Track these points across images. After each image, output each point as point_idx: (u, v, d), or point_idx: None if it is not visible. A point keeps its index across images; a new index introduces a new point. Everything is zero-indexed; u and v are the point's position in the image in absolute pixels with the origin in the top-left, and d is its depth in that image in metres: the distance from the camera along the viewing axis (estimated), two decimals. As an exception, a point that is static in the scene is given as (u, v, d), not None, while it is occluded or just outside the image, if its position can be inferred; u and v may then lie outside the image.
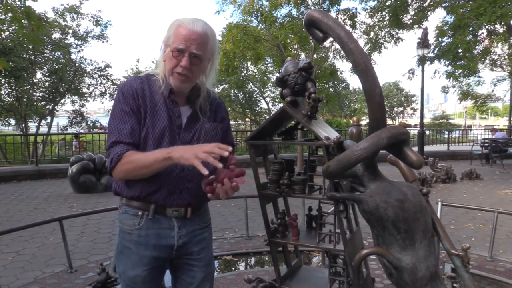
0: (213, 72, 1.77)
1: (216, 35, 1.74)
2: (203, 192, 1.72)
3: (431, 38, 13.42)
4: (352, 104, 39.45)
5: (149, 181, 1.64)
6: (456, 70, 12.16)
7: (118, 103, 1.64)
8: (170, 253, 1.72)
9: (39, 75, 16.72)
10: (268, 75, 21.49)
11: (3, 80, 15.22)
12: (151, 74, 1.73)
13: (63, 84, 16.37)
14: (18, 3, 8.60)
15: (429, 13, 12.59)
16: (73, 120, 17.70)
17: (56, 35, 16.57)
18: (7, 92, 16.05)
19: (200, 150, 1.45)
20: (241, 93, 22.77)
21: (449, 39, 11.93)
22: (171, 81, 1.67)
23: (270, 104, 23.57)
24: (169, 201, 1.67)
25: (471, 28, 10.52)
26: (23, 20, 7.66)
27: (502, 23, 10.72)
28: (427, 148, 15.62)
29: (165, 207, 1.68)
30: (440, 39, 12.74)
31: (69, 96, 17.43)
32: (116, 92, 1.71)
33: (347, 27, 10.62)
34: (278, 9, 11.15)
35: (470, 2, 10.91)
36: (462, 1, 11.76)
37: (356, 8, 11.86)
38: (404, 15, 12.36)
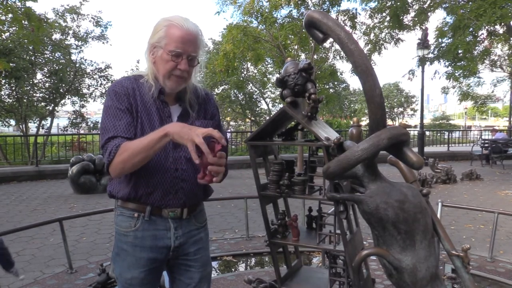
0: (198, 68, 1.75)
1: (202, 32, 1.72)
2: (198, 192, 1.74)
3: (431, 39, 13.46)
4: (352, 105, 39.42)
5: (143, 182, 1.64)
6: (456, 71, 12.15)
7: (112, 101, 1.62)
8: (166, 254, 1.72)
9: (39, 76, 16.78)
10: (268, 76, 21.55)
11: (3, 81, 15.24)
12: (138, 75, 1.71)
13: (63, 85, 16.38)
14: (19, 4, 8.59)
15: (429, 14, 12.60)
16: (73, 120, 17.72)
17: (57, 36, 16.62)
18: (7, 93, 16.09)
19: (196, 134, 1.43)
20: (241, 94, 22.82)
21: (449, 40, 11.93)
22: (167, 83, 1.65)
23: (270, 105, 23.64)
24: (165, 201, 1.67)
25: (471, 29, 10.50)
26: (23, 21, 7.65)
27: (502, 24, 10.72)
28: (427, 149, 15.62)
29: (161, 208, 1.68)
30: (440, 40, 12.75)
31: (69, 97, 17.48)
32: (107, 92, 1.68)
33: (347, 28, 10.64)
34: (278, 10, 11.17)
35: (470, 3, 10.90)
36: (462, 2, 11.76)
37: (356, 9, 11.93)
38: (405, 16, 12.36)
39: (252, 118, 24.20)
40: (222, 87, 21.95)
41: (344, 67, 72.72)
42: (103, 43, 17.36)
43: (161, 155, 1.63)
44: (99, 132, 1.77)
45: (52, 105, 16.88)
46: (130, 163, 1.53)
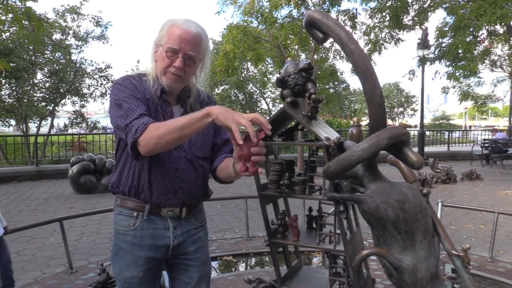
0: (204, 73, 1.76)
1: (208, 37, 1.72)
2: (197, 193, 1.74)
3: (431, 39, 13.43)
4: (352, 105, 39.43)
5: (143, 178, 1.64)
6: (457, 71, 12.14)
7: (123, 92, 1.59)
8: (165, 253, 1.72)
9: (39, 75, 16.76)
10: (268, 76, 21.54)
11: (3, 81, 15.22)
12: (142, 74, 1.72)
13: (64, 85, 16.37)
14: (19, 4, 8.58)
15: (429, 13, 12.59)
16: (74, 120, 17.72)
17: (57, 36, 16.59)
18: (7, 92, 16.07)
19: (241, 116, 1.37)
20: (241, 94, 22.84)
21: (450, 40, 11.92)
22: (163, 80, 1.65)
23: (270, 105, 23.64)
24: (164, 201, 1.67)
25: (471, 29, 10.49)
26: (23, 21, 7.66)
27: (502, 24, 10.70)
28: (427, 149, 15.62)
29: (160, 207, 1.68)
30: (440, 40, 12.73)
31: (70, 97, 17.45)
32: (114, 86, 1.64)
33: (347, 28, 10.64)
34: (279, 10, 11.16)
35: (470, 3, 10.90)
36: (462, 2, 11.75)
37: (356, 9, 11.91)
38: (405, 16, 12.35)
39: (252, 118, 24.18)
40: (222, 87, 21.96)
41: (344, 67, 72.67)
42: (103, 43, 17.35)
43: (162, 154, 1.63)
44: (112, 122, 1.69)
45: (52, 105, 16.86)
46: (164, 140, 1.46)
